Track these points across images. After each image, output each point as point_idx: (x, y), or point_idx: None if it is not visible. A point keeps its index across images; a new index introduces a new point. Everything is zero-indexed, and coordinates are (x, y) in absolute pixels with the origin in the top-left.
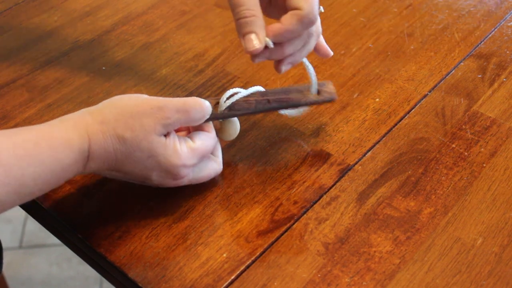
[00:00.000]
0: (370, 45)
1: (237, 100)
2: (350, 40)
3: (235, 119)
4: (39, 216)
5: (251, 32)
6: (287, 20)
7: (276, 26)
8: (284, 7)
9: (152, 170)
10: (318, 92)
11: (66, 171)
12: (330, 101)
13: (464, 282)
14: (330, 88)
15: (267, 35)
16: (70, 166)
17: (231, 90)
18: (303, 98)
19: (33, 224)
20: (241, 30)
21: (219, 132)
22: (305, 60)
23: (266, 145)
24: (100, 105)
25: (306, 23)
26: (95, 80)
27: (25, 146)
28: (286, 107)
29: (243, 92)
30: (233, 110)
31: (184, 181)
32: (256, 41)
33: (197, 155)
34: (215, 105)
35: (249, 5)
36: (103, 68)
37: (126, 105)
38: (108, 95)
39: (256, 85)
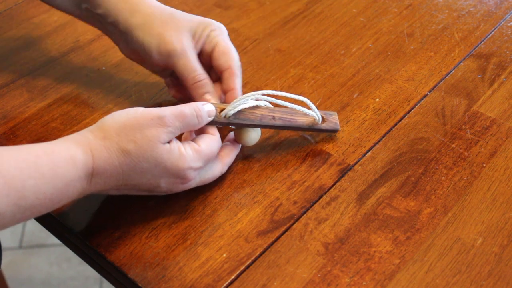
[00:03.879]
0: (370, 45)
1: (242, 110)
2: (350, 40)
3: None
4: (39, 216)
5: (207, 92)
6: (232, 84)
7: (232, 97)
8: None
9: (160, 178)
10: (323, 120)
11: (69, 186)
12: (333, 131)
13: (464, 282)
14: (335, 119)
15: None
16: (73, 181)
17: (240, 97)
18: (308, 123)
19: (33, 224)
20: (198, 92)
21: (239, 137)
22: (308, 101)
23: (266, 145)
24: (99, 122)
25: (239, 73)
26: (95, 80)
27: (26, 159)
28: (290, 128)
29: (250, 103)
30: (238, 119)
31: (192, 184)
32: (213, 100)
33: (203, 158)
34: (221, 111)
35: (200, 69)
36: (103, 68)
37: (126, 119)
38: (108, 95)
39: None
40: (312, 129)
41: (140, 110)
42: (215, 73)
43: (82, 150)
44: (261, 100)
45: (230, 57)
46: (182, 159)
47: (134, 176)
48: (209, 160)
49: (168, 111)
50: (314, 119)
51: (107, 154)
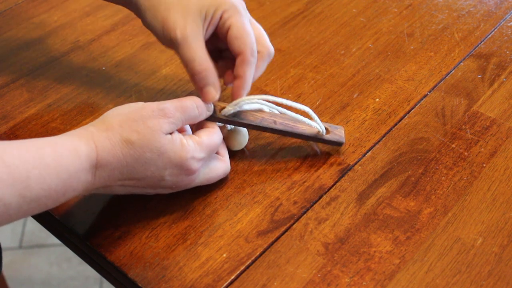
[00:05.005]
0: (370, 45)
1: (244, 110)
2: (350, 40)
3: (244, 130)
4: (39, 216)
5: (207, 85)
6: (241, 71)
7: (237, 86)
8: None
9: (164, 169)
10: (327, 132)
11: (73, 178)
12: (336, 144)
13: (464, 282)
14: (340, 132)
15: (235, 97)
16: (77, 173)
17: (242, 98)
18: (309, 131)
19: (33, 224)
20: (198, 85)
21: (226, 141)
22: (311, 111)
23: (266, 145)
24: (101, 116)
25: (253, 59)
26: (95, 80)
27: (30, 150)
28: (291, 135)
29: (252, 105)
30: (238, 118)
31: (196, 180)
32: (213, 93)
33: (205, 148)
34: (222, 109)
35: (200, 60)
36: (103, 68)
37: (128, 111)
38: (108, 95)
39: (270, 96)
40: (314, 138)
41: (141, 103)
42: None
43: (85, 142)
44: (264, 105)
45: (242, 41)
46: (184, 149)
47: (139, 168)
48: (212, 151)
49: (168, 103)
50: (318, 131)
51: (110, 145)
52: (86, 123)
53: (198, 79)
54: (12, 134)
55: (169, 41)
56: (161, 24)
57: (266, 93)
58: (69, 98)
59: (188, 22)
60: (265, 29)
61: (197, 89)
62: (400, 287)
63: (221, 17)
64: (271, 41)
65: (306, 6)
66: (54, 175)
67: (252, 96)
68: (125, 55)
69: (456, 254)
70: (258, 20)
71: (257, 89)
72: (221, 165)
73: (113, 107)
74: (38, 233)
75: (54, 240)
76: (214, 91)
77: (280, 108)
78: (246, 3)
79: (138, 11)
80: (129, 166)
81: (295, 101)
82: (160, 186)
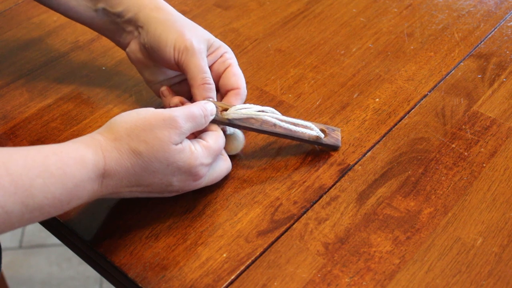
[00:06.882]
0: (370, 45)
1: (245, 113)
2: (350, 40)
3: (241, 135)
4: (48, 218)
5: (210, 97)
6: (235, 102)
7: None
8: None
9: (172, 176)
10: (325, 135)
11: (79, 187)
12: (333, 148)
13: (464, 282)
14: (337, 135)
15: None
16: (83, 182)
17: (246, 104)
18: (308, 136)
19: (33, 224)
20: (204, 93)
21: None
22: (313, 125)
23: (266, 145)
24: (108, 123)
25: (244, 96)
26: (95, 80)
27: (35, 158)
28: (290, 137)
29: (254, 108)
30: (238, 120)
31: (202, 183)
32: (213, 105)
33: (212, 153)
34: (223, 110)
35: (210, 75)
36: (103, 68)
37: (137, 119)
38: (108, 95)
39: (271, 108)
40: (312, 142)
41: (151, 111)
42: (220, 94)
43: (93, 151)
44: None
45: (241, 79)
46: (193, 156)
47: (146, 176)
48: (217, 155)
49: (179, 112)
50: (316, 132)
51: (118, 155)
52: (86, 123)
53: (206, 89)
54: (12, 134)
55: (183, 49)
56: (177, 34)
57: (266, 93)
58: (69, 98)
59: (201, 42)
60: (265, 29)
61: (199, 99)
62: (400, 287)
63: (222, 56)
64: (271, 41)
65: (306, 6)
66: (59, 184)
67: (257, 106)
68: (125, 55)
69: (456, 254)
70: (258, 20)
71: (257, 89)
72: (224, 164)
73: (113, 107)
74: (38, 233)
75: (54, 240)
76: (212, 104)
77: (280, 123)
78: (246, 3)
79: (143, 25)
80: (137, 174)
81: (295, 101)
82: (167, 190)
